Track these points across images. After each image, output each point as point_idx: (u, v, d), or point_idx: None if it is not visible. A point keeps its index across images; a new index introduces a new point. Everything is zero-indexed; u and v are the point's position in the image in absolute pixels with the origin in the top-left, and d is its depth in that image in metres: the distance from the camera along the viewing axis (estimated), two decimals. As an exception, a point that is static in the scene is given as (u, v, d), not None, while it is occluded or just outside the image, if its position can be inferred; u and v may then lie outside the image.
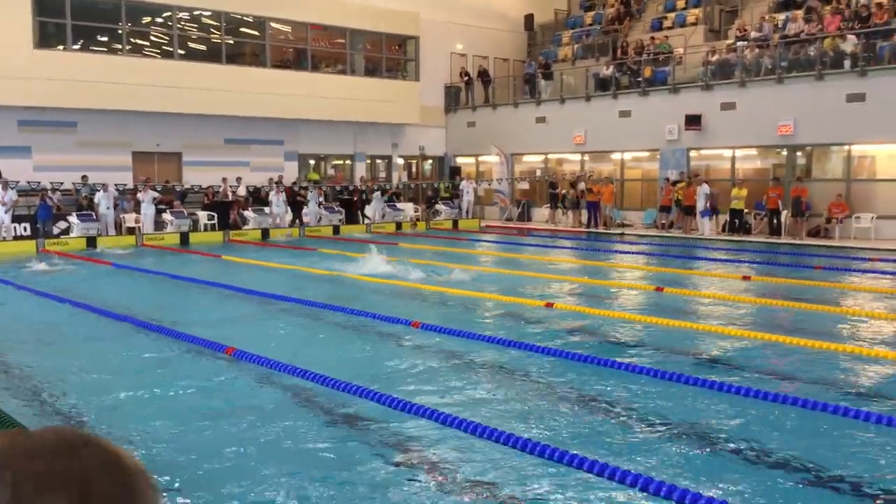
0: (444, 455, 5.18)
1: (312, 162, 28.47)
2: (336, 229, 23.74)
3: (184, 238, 20.95)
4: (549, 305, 10.46)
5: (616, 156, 26.63)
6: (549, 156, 28.65)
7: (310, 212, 24.30)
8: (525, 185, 29.06)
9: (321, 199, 24.83)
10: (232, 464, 5.09)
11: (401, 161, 30.38)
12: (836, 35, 21.32)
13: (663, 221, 23.86)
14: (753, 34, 23.69)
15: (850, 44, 20.86)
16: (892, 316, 10.30)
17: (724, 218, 22.49)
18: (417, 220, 26.40)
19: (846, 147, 21.17)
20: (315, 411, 6.18)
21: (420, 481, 4.80)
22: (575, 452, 4.93)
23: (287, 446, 5.39)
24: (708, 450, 5.32)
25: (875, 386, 6.88)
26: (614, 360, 7.47)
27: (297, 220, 24.25)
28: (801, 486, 4.73)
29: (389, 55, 29.03)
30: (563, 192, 26.69)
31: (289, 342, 8.92)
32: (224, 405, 6.37)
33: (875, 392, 6.66)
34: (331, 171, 29.13)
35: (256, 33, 25.63)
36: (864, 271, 14.91)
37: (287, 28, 26.46)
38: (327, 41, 27.73)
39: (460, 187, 28.04)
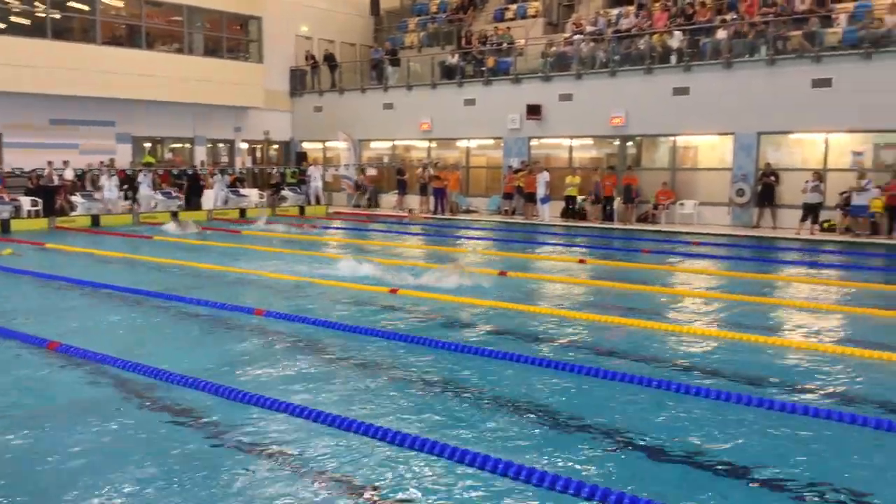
0: (288, 445, 5.10)
1: (148, 145, 27.11)
2: (174, 215, 22.74)
3: (4, 225, 19.39)
4: (394, 291, 10.52)
5: (462, 143, 27.10)
6: (397, 142, 28.75)
7: (141, 196, 23.07)
8: (373, 172, 29.03)
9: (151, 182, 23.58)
10: (57, 468, 4.77)
11: (244, 146, 29.52)
12: (664, 31, 22.66)
13: (506, 208, 24.55)
14: (589, 28, 24.75)
15: (676, 40, 22.23)
16: (712, 294, 11.11)
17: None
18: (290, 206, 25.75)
19: (672, 138, 22.60)
20: (151, 406, 5.90)
21: (264, 472, 4.69)
22: (420, 436, 4.99)
23: (120, 446, 5.11)
24: (549, 426, 5.53)
25: (696, 360, 7.39)
26: (460, 343, 7.62)
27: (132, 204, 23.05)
28: (634, 455, 5.02)
29: (231, 35, 28.06)
30: (358, 179, 27.74)
31: (122, 334, 8.47)
32: (46, 405, 5.97)
33: (696, 366, 7.15)
34: (168, 155, 27.86)
35: (86, 7, 24.00)
36: (687, 254, 16.00)
37: (119, 3, 24.98)
38: (163, 18, 26.43)
39: (308, 173, 27.64)
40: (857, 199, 18.44)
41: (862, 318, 9.56)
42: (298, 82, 30.50)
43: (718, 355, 7.59)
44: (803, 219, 19.20)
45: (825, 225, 19.43)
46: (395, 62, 28.62)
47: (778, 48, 20.56)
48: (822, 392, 6.34)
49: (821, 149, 20.26)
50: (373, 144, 29.53)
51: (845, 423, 5.47)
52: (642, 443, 5.17)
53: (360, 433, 5.14)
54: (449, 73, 26.74)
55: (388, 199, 27.93)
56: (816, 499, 4.39)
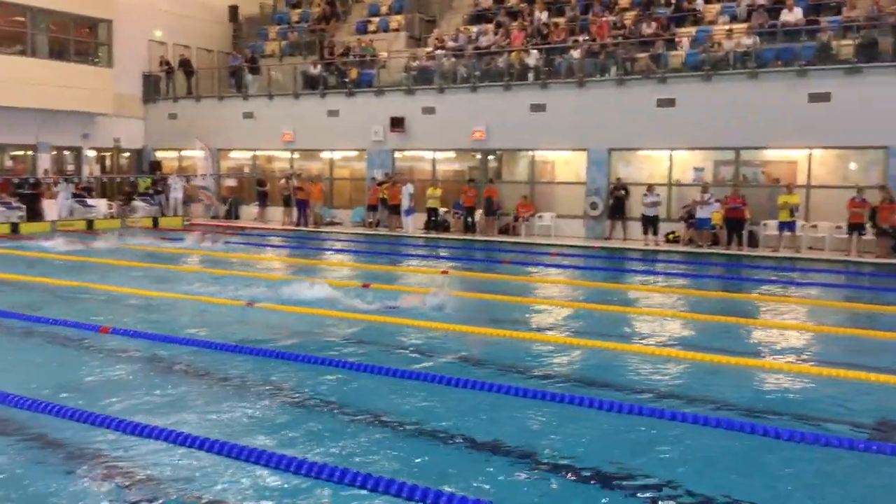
0: (139, 466, 4.85)
1: (-15, 152, 25.25)
2: (14, 227, 21.24)
3: None
4: (251, 305, 10.27)
5: (325, 154, 26.86)
6: (258, 152, 28.14)
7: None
8: (233, 182, 28.28)
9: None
10: None
11: (92, 153, 27.99)
12: (522, 49, 23.38)
13: (370, 220, 24.52)
14: (450, 44, 25.18)
15: (533, 58, 22.98)
16: (568, 304, 11.52)
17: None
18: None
19: (530, 152, 23.33)
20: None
21: (112, 495, 4.44)
22: (277, 452, 4.88)
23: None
24: (412, 437, 5.55)
25: (547, 366, 7.63)
26: (319, 356, 7.51)
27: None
28: (502, 462, 5.10)
29: (78, 38, 26.57)
30: (185, 186, 26.53)
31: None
32: None
33: (546, 371, 7.39)
34: (9, 163, 26.02)
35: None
36: (545, 265, 16.52)
37: (-46, 0, 23.19)
38: (4, 19, 24.69)
39: (168, 182, 26.55)
40: (700, 213, 19.64)
41: (700, 323, 10.16)
42: (152, 88, 29.27)
43: (571, 361, 7.87)
44: (645, 231, 20.23)
45: (670, 237, 20.58)
46: (255, 70, 28.04)
47: (627, 69, 21.65)
48: (662, 392, 6.68)
49: (666, 165, 21.48)
50: (232, 154, 28.76)
51: (688, 423, 5.78)
52: (507, 451, 5.27)
53: (216, 452, 4.97)
54: (311, 83, 26.46)
55: (249, 211, 27.27)
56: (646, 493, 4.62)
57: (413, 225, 23.21)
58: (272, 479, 4.67)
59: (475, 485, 4.66)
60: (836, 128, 18.65)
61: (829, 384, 7.09)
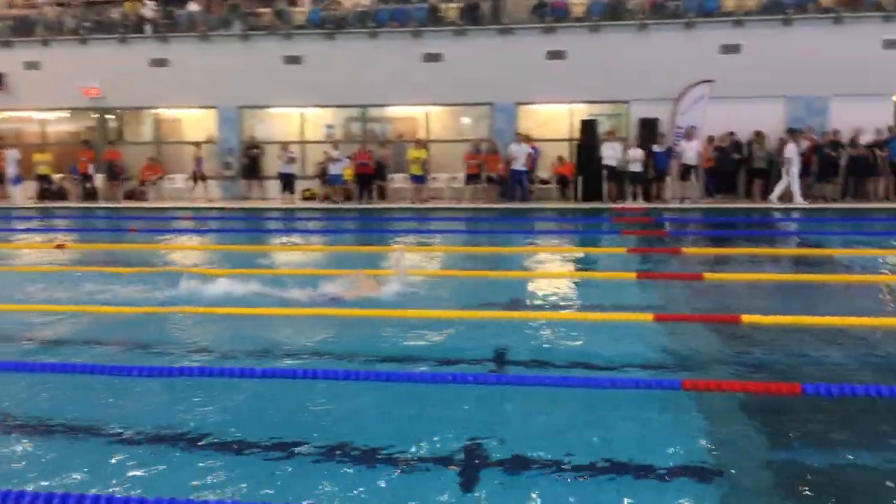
0: None
1: None
2: None
3: None
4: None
5: None
6: None
7: None
8: None
9: None
10: None
11: None
12: (137, 0, 21.71)
13: (-32, 191, 21.30)
14: (51, -10, 22.55)
15: (149, 9, 21.49)
16: (206, 270, 11.02)
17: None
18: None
19: (154, 110, 21.93)
20: None
21: None
22: None
23: None
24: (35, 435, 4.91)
25: (187, 339, 7.28)
26: None
27: None
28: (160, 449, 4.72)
29: None
30: None
31: None
32: None
33: (185, 343, 7.03)
34: None
35: None
36: (178, 230, 15.77)
37: None
38: None
39: None
40: (332, 169, 20.14)
41: (338, 279, 10.39)
42: None
43: (219, 330, 7.60)
44: (283, 189, 20.30)
45: (306, 194, 20.87)
46: None
47: (251, 24, 21.23)
48: (295, 352, 6.68)
49: (299, 122, 21.62)
50: None
51: (336, 380, 5.87)
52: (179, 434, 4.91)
53: None
54: None
55: None
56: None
57: (23, 195, 20.65)
58: None
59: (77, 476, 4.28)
60: (449, 86, 20.26)
61: (458, 325, 7.65)
